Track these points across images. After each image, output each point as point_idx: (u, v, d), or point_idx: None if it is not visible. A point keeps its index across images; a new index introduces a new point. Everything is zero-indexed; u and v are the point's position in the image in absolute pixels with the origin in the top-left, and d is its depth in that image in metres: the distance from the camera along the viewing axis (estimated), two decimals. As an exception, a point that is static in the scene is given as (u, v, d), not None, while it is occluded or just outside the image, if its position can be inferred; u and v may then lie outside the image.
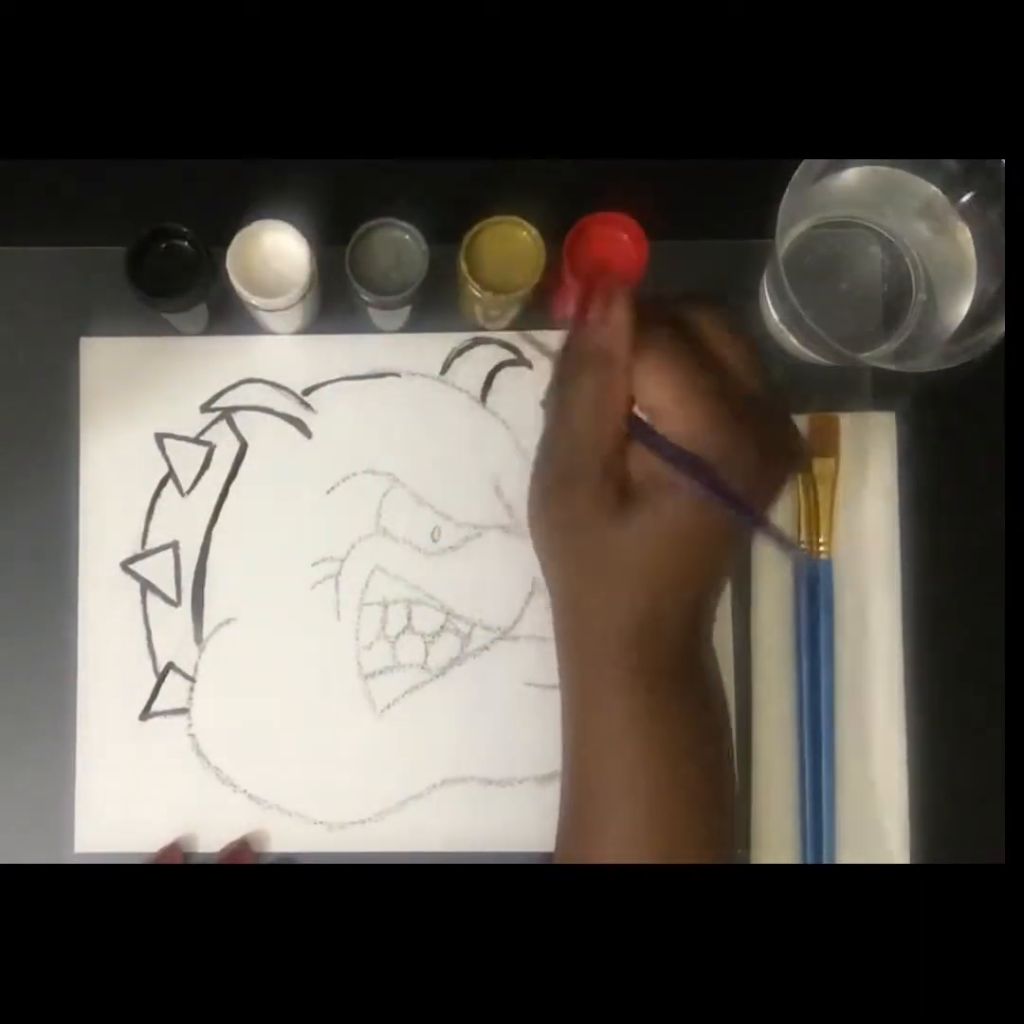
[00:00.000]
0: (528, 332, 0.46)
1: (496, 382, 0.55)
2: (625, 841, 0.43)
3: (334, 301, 0.54)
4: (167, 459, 0.55)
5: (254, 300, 0.49)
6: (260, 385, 0.55)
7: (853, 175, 0.52)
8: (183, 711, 0.54)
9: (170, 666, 0.54)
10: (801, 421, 0.55)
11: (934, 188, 0.52)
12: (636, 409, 0.42)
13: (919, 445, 0.55)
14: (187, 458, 0.55)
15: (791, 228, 0.53)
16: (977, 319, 0.50)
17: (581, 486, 0.42)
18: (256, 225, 0.48)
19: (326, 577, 0.54)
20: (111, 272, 0.50)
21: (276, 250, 0.49)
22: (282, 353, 0.55)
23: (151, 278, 0.49)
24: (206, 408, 0.55)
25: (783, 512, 0.55)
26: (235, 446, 0.55)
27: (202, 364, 0.55)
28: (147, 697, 0.54)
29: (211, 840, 0.53)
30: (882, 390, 0.55)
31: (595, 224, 0.49)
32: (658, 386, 0.41)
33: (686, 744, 0.44)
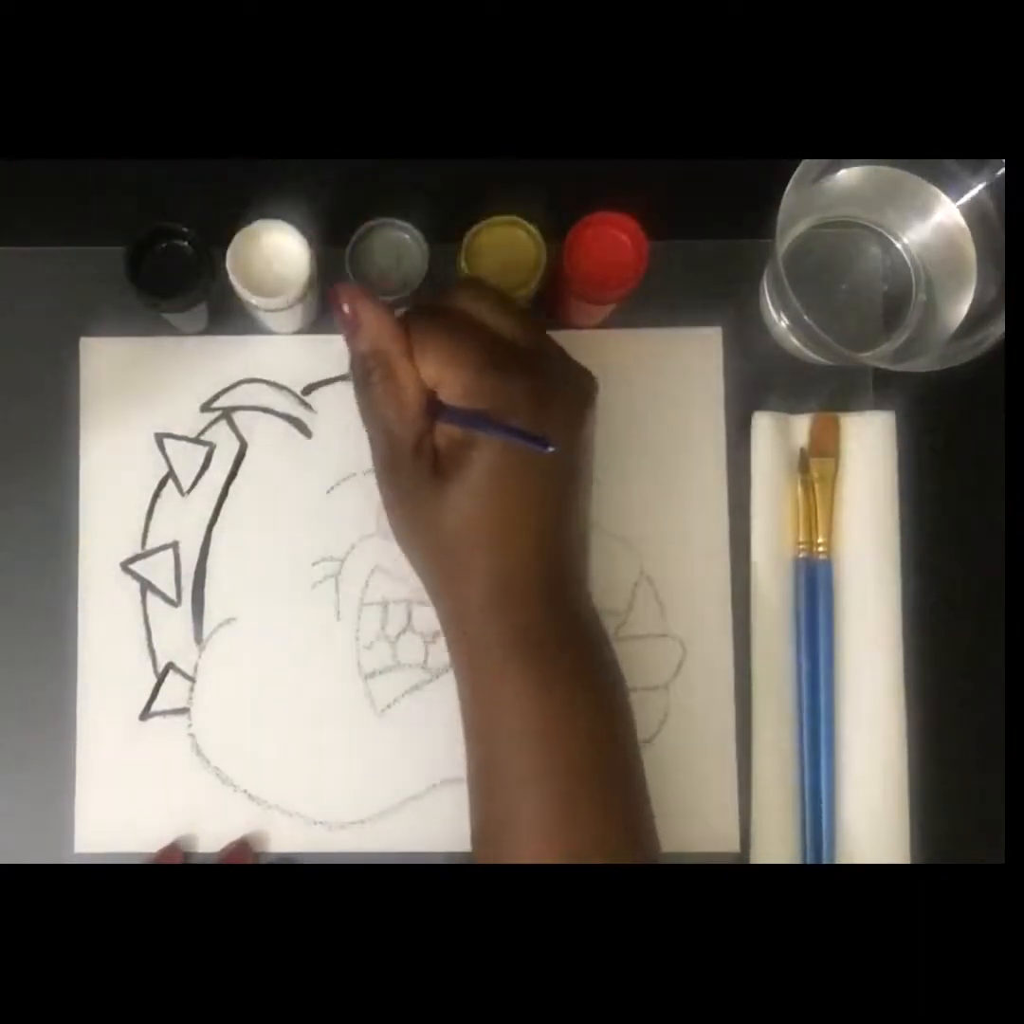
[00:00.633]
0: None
1: (496, 382, 0.55)
2: (536, 830, 0.44)
3: (334, 301, 0.54)
4: (167, 459, 0.55)
5: (254, 300, 0.49)
6: (260, 385, 0.55)
7: (853, 175, 0.52)
8: (183, 711, 0.54)
9: (170, 666, 0.54)
10: (802, 421, 0.55)
11: (934, 188, 0.52)
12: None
13: (919, 445, 0.55)
14: (187, 458, 0.55)
15: (791, 228, 0.53)
16: (977, 319, 0.50)
17: (400, 471, 0.46)
18: (256, 225, 0.48)
19: (326, 577, 0.54)
20: (111, 272, 0.50)
21: (276, 250, 0.49)
22: (282, 353, 0.55)
23: (151, 278, 0.49)
24: (206, 408, 0.55)
25: (783, 512, 0.55)
26: (235, 446, 0.55)
27: (202, 364, 0.55)
28: (147, 697, 0.54)
29: (211, 840, 0.53)
30: (882, 390, 0.55)
31: (595, 224, 0.49)
32: (429, 360, 0.45)
33: (578, 710, 0.45)
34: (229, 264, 0.48)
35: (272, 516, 0.55)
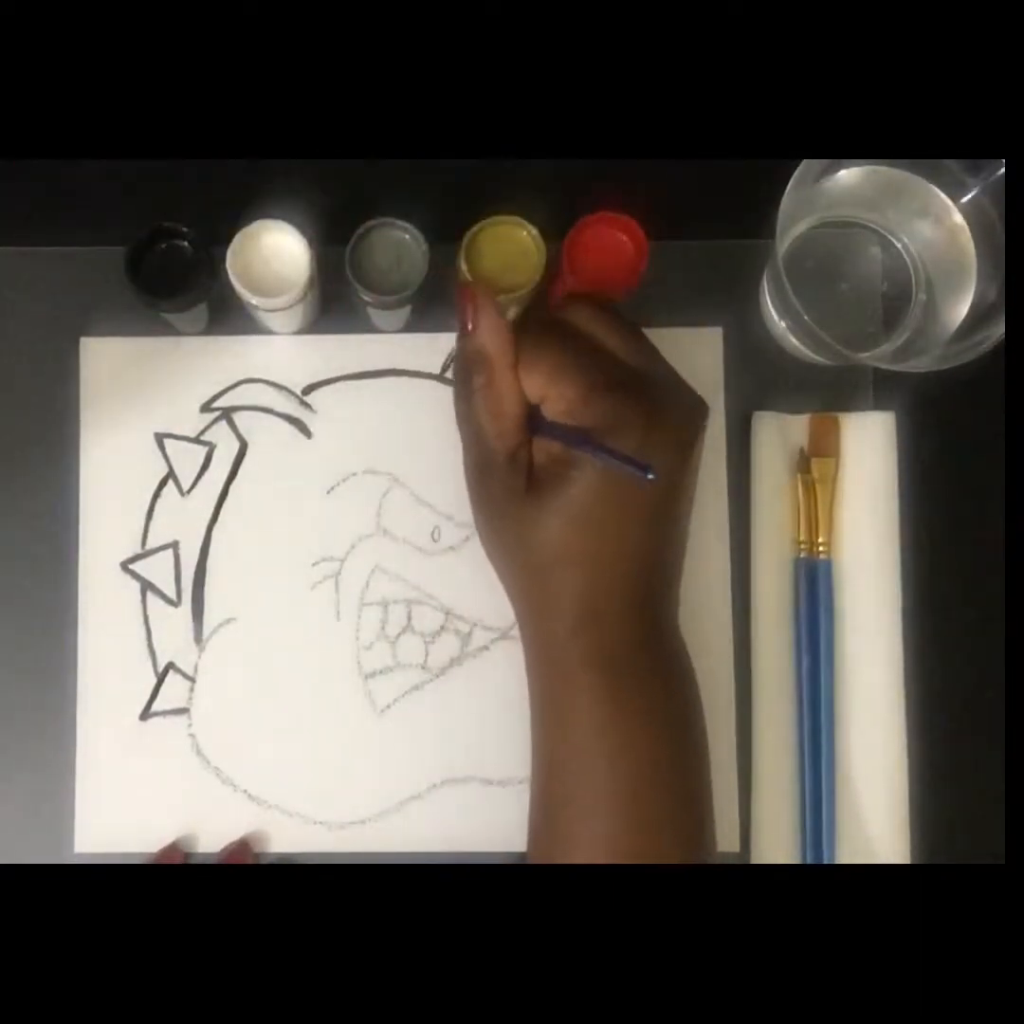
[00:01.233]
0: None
1: (496, 382, 0.55)
2: (599, 846, 0.43)
3: (334, 301, 0.54)
4: (167, 459, 0.55)
5: (254, 300, 0.49)
6: (260, 385, 0.55)
7: (853, 175, 0.52)
8: (183, 711, 0.54)
9: (170, 666, 0.54)
10: (802, 421, 0.55)
11: (934, 188, 0.52)
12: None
13: (919, 445, 0.55)
14: (187, 458, 0.55)
15: (791, 228, 0.53)
16: (977, 319, 0.50)
17: (492, 477, 0.45)
18: (256, 225, 0.48)
19: (326, 577, 0.54)
20: (111, 272, 0.50)
21: (276, 250, 0.49)
22: (282, 353, 0.55)
23: (151, 278, 0.49)
24: (206, 408, 0.55)
25: (783, 512, 0.55)
26: (235, 446, 0.55)
27: (202, 364, 0.55)
28: (147, 697, 0.54)
29: (211, 840, 0.53)
30: (882, 390, 0.55)
31: (595, 224, 0.49)
32: (536, 374, 0.44)
33: (653, 738, 0.44)
34: (229, 264, 0.48)
35: (272, 516, 0.55)
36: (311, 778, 0.54)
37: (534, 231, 0.49)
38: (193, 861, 0.53)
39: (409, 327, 0.55)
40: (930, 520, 0.55)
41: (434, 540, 0.54)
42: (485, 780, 0.54)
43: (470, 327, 0.45)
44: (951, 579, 0.55)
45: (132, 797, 0.53)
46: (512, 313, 0.53)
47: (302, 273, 0.48)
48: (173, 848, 0.53)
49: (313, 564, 0.54)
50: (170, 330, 0.54)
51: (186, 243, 0.49)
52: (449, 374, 0.55)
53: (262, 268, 0.49)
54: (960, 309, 0.51)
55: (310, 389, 0.55)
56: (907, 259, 0.54)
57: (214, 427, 0.55)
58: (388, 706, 0.54)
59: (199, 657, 0.54)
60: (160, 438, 0.55)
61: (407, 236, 0.49)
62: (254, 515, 0.55)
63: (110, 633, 0.54)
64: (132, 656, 0.54)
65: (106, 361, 0.55)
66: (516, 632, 0.54)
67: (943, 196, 0.52)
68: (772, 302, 0.54)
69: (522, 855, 0.52)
